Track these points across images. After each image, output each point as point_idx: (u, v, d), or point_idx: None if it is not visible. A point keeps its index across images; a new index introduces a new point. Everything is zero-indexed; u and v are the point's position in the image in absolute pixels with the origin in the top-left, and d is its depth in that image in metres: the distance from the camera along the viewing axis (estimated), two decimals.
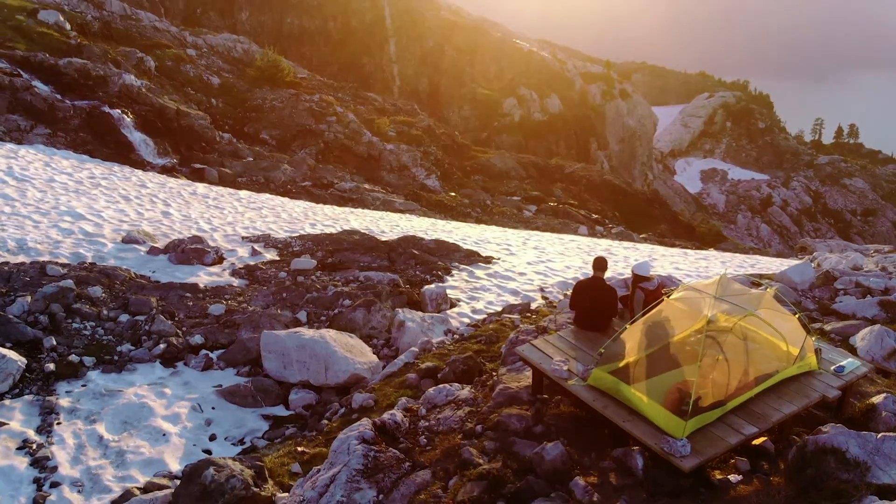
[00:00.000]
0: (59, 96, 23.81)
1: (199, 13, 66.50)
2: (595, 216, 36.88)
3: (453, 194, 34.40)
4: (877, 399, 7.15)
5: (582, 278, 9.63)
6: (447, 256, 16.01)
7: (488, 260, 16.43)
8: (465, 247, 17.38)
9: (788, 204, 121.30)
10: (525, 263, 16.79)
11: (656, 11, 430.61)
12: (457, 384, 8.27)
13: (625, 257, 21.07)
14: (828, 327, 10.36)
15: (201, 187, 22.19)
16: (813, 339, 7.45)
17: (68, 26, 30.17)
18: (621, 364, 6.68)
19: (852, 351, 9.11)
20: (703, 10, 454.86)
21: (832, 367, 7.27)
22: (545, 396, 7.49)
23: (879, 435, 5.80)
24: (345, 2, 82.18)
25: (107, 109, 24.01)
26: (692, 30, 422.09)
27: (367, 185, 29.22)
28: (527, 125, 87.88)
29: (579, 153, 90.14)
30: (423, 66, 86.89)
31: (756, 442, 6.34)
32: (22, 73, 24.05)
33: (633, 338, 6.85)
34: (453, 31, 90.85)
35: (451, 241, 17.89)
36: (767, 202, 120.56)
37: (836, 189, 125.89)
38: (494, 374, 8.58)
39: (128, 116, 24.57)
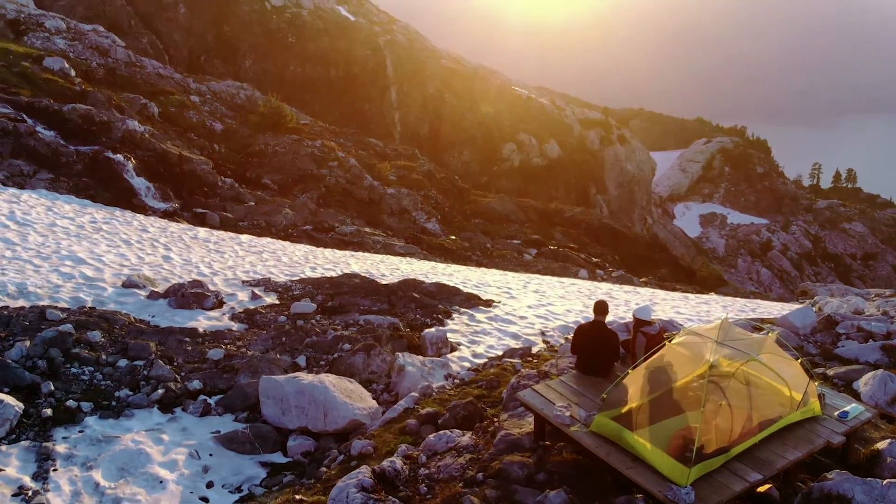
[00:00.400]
0: (62, 141, 24.08)
1: (202, 60, 67.66)
2: (595, 260, 36.94)
3: (453, 238, 34.52)
4: (882, 445, 7.08)
5: (583, 322, 9.61)
6: (447, 300, 15.99)
7: (489, 303, 16.40)
8: (466, 290, 17.37)
9: (788, 248, 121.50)
10: (526, 307, 16.76)
11: (653, 60, 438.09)
12: (457, 430, 8.19)
13: (626, 301, 21.05)
14: (830, 372, 10.31)
15: (202, 232, 22.27)
16: (816, 384, 7.41)
17: (73, 73, 30.67)
18: (624, 410, 6.64)
19: (856, 396, 9.05)
20: (699, 59, 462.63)
21: (836, 413, 7.22)
22: (547, 443, 7.42)
23: (885, 481, 5.73)
24: (347, 51, 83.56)
25: (110, 155, 24.26)
26: (689, 77, 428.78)
27: (367, 229, 29.35)
28: (526, 170, 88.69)
29: (578, 197, 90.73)
30: (423, 112, 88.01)
31: (761, 489, 6.26)
32: (26, 118, 24.36)
33: (635, 383, 6.82)
34: (453, 78, 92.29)
35: (451, 284, 17.88)
36: (767, 246, 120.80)
37: (836, 233, 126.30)
38: (496, 419, 8.51)
39: (130, 161, 24.82)
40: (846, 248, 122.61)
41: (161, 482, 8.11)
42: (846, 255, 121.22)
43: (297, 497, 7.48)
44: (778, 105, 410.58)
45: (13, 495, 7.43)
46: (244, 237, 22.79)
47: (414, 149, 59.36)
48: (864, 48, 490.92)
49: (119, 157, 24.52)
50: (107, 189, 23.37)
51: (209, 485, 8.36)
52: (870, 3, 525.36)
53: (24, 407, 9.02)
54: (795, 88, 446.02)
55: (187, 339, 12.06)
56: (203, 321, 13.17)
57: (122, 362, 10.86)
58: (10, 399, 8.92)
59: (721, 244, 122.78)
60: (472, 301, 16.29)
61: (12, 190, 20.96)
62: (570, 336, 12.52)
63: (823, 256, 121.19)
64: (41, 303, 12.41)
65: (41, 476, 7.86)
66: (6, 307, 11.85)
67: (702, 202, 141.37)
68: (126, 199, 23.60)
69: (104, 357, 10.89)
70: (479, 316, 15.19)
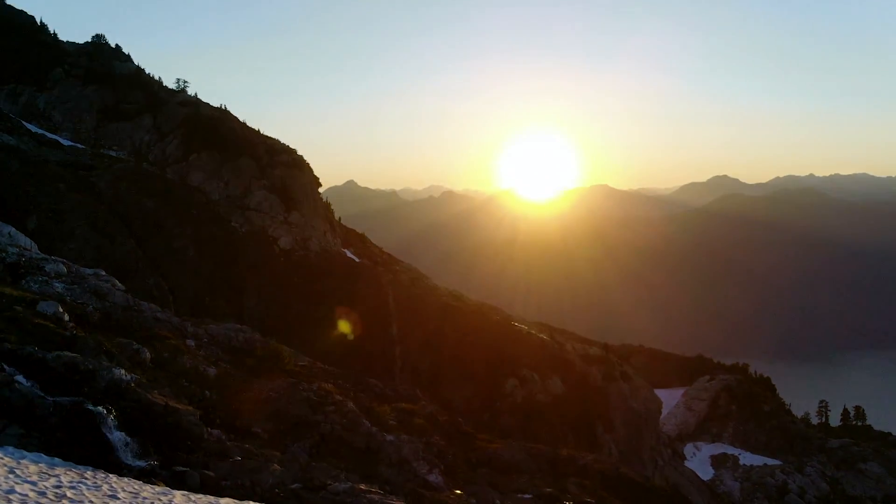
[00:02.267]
0: (40, 392, 22.50)
1: (207, 301, 68.40)
2: None
3: (458, 492, 31.66)
4: None
5: None
6: None
7: None
8: None
9: (805, 491, 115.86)
10: None
11: (652, 303, 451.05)
12: None
13: None
14: None
15: (179, 496, 19.98)
16: None
17: (67, 317, 29.88)
18: None
19: None
20: (692, 304, 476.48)
21: None
22: None
23: None
24: (351, 290, 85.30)
25: (89, 407, 22.57)
26: (686, 319, 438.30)
27: (363, 486, 26.80)
28: (530, 406, 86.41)
29: (586, 437, 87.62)
30: (424, 346, 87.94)
31: None
32: (6, 367, 23.04)
33: None
34: (454, 314, 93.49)
35: None
36: (784, 489, 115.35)
37: (853, 474, 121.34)
38: None
39: (111, 415, 23.08)
40: (865, 490, 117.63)
41: None
42: (867, 498, 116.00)
43: None
44: (776, 343, 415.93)
45: None
46: (224, 501, 20.43)
47: (415, 388, 57.79)
48: (858, 289, 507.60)
49: (99, 409, 22.80)
50: (81, 445, 21.39)
51: None
52: (860, 250, 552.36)
53: None
54: (792, 327, 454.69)
55: None
56: None
57: None
58: None
59: (735, 487, 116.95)
60: None
61: None
62: None
63: (843, 499, 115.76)
64: None
65: None
66: None
67: (711, 442, 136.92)
68: (101, 456, 21.50)
69: None
70: None
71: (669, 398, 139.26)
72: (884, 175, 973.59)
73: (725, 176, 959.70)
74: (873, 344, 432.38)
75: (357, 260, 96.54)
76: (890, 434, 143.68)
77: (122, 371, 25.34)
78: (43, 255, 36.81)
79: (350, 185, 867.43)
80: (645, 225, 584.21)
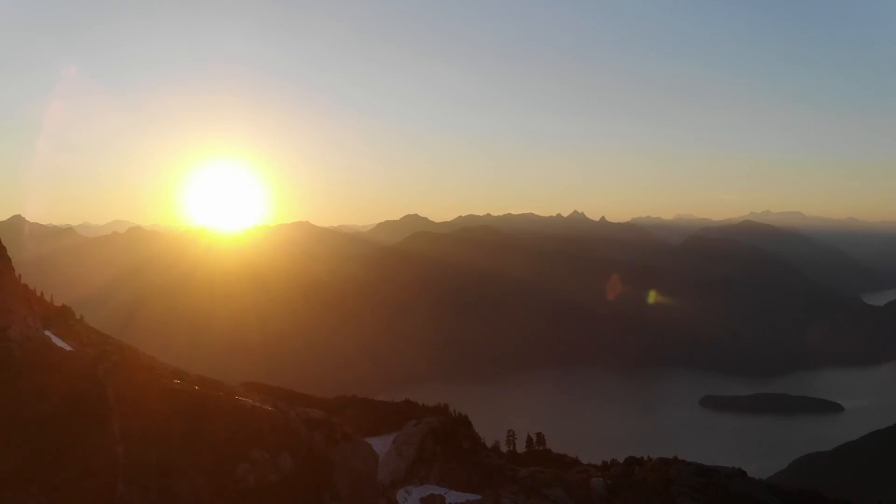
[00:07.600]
0: None
1: None
2: None
3: None
4: None
5: None
6: None
7: None
8: None
9: None
10: None
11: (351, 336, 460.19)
12: None
13: None
14: None
15: None
16: None
17: None
18: None
19: None
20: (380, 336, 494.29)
21: None
22: None
23: None
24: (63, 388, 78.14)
25: None
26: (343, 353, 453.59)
27: None
28: (261, 488, 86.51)
29: None
30: (151, 442, 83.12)
31: None
32: None
33: None
34: (179, 398, 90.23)
35: None
36: None
37: (540, 501, 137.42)
38: None
39: None
40: None
41: None
42: None
43: None
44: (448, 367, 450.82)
45: None
46: None
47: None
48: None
49: None
50: None
51: None
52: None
53: None
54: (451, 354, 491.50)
55: None
56: None
57: None
58: None
59: None
60: None
61: None
62: None
63: None
64: None
65: None
66: None
67: (420, 484, 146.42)
68: None
69: None
70: None
71: (382, 446, 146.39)
72: (547, 215, 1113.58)
73: (416, 215, 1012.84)
74: (552, 363, 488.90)
75: (67, 348, 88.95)
76: (566, 455, 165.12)
77: None
78: None
79: (17, 220, 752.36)
80: (345, 262, 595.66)
